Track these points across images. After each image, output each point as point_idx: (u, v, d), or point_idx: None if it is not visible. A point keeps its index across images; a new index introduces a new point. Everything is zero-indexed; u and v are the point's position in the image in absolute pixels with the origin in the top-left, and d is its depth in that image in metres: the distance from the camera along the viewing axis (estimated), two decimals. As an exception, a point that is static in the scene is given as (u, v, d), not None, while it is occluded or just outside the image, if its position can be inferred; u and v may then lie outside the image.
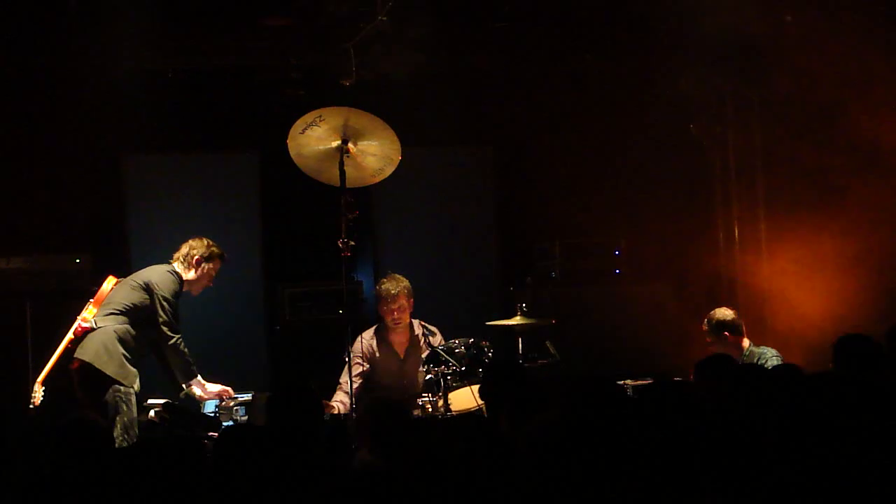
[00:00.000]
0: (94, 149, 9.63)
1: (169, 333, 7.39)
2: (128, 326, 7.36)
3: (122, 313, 7.38)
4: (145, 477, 4.26)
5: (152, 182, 10.16)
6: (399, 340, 8.42)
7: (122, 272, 7.88)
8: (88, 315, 7.39)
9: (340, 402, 7.96)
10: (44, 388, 7.32)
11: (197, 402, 7.55)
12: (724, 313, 8.04)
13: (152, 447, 4.57)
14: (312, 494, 4.36)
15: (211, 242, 7.76)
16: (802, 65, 9.26)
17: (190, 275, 7.67)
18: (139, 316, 7.42)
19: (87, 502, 4.36)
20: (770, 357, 7.75)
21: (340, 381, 8.10)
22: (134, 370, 7.29)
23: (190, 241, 7.74)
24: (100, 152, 9.73)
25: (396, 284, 8.24)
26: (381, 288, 8.30)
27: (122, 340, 7.29)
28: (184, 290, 7.65)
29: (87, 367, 7.21)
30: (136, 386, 7.28)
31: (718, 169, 10.34)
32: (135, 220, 10.05)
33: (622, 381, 8.04)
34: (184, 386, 7.47)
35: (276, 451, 4.51)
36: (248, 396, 7.53)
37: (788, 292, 9.27)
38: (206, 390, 7.49)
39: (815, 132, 9.33)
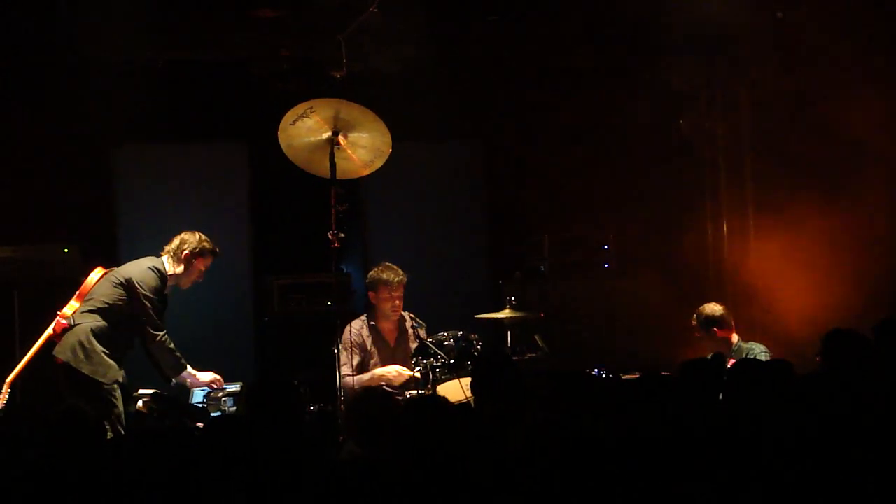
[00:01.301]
0: (83, 139, 9.59)
1: (152, 331, 7.34)
2: (104, 323, 7.29)
3: (98, 311, 7.33)
4: (136, 467, 4.27)
5: (141, 172, 10.13)
6: (388, 328, 8.44)
7: (111, 261, 7.86)
8: (68, 311, 7.35)
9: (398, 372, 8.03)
10: (11, 389, 7.29)
11: (186, 393, 7.55)
12: (713, 309, 8.05)
13: (143, 438, 4.59)
14: (300, 487, 4.37)
15: (203, 237, 7.67)
16: (790, 59, 9.29)
17: (178, 269, 7.60)
18: (117, 313, 7.36)
19: (80, 493, 4.35)
20: (759, 353, 7.75)
21: (344, 371, 7.98)
22: (114, 364, 7.23)
23: (182, 235, 7.65)
24: (89, 142, 9.69)
25: (398, 273, 8.25)
26: (381, 275, 8.26)
27: (98, 336, 7.23)
28: (171, 283, 7.60)
29: (66, 366, 7.20)
30: (121, 378, 7.25)
31: (707, 163, 10.35)
32: (124, 209, 10.01)
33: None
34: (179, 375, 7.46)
35: (262, 442, 4.52)
36: (236, 387, 7.52)
37: (777, 286, 9.29)
38: (198, 379, 7.48)
39: (804, 126, 9.35)
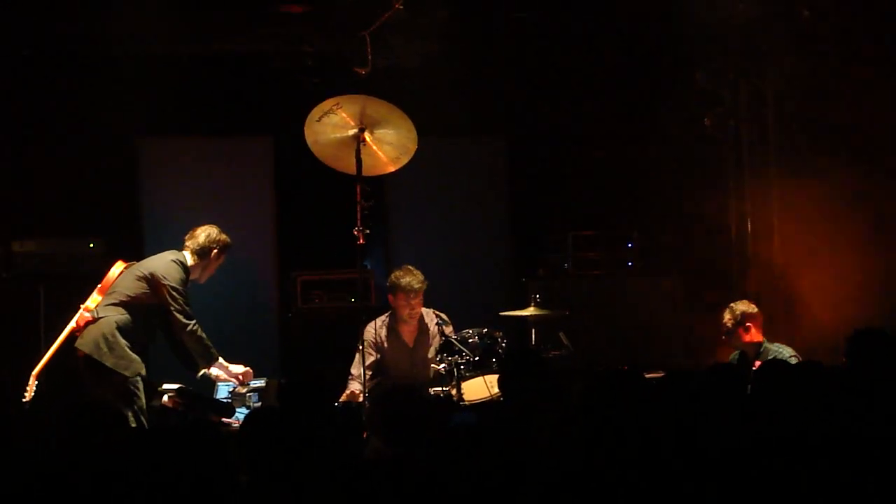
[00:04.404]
0: (109, 132, 9.64)
1: (184, 321, 7.37)
2: (128, 316, 7.31)
3: (122, 304, 7.36)
4: (160, 460, 4.27)
5: (166, 166, 10.18)
6: (408, 329, 8.40)
7: (136, 255, 7.88)
8: (91, 304, 7.37)
9: (353, 391, 7.97)
10: (38, 381, 7.32)
11: (210, 388, 7.57)
12: (749, 306, 7.97)
13: (168, 432, 4.60)
14: (324, 483, 4.38)
15: (222, 232, 7.74)
16: (815, 56, 9.24)
17: (201, 263, 7.64)
18: (140, 306, 7.38)
19: (104, 486, 4.37)
20: (787, 356, 7.68)
21: (352, 371, 8.10)
22: (137, 358, 7.26)
23: (203, 229, 7.68)
24: (115, 136, 9.74)
25: (417, 279, 8.17)
26: (400, 281, 8.19)
27: (122, 330, 7.26)
28: (193, 277, 7.63)
29: (88, 359, 7.22)
30: (143, 371, 7.27)
31: (731, 162, 10.30)
32: (149, 203, 10.06)
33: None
34: (204, 371, 7.47)
35: (292, 436, 4.53)
36: (261, 383, 7.55)
37: (801, 287, 9.25)
38: (230, 371, 7.50)
39: (829, 125, 9.30)
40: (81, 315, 7.34)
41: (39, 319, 8.66)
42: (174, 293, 7.38)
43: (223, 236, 7.70)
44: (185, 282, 7.50)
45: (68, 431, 4.94)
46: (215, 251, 7.65)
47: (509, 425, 5.19)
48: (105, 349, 7.19)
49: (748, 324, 7.88)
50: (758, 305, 8.25)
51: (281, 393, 5.83)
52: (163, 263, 7.50)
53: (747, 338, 7.85)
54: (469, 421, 6.67)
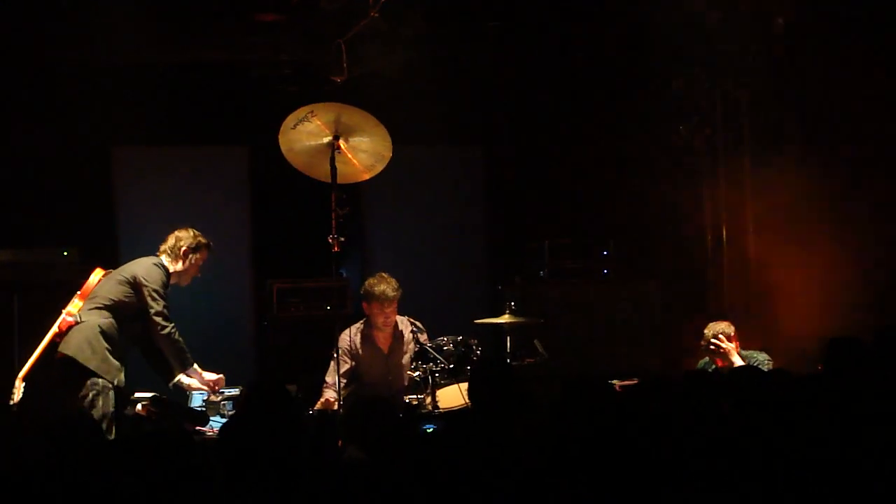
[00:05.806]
0: (83, 141, 9.62)
1: (163, 323, 7.35)
2: (112, 320, 7.30)
3: (105, 307, 7.34)
4: (135, 470, 4.26)
5: (141, 175, 10.16)
6: (383, 337, 8.35)
7: (111, 265, 7.85)
8: (73, 309, 7.34)
9: (328, 399, 7.95)
10: (24, 384, 7.28)
11: (184, 397, 7.54)
12: (728, 328, 7.95)
13: (142, 441, 4.58)
14: (299, 491, 4.37)
15: (197, 233, 7.70)
16: (791, 67, 9.29)
17: (178, 266, 7.62)
18: (123, 310, 7.37)
19: (80, 495, 4.35)
20: (761, 361, 7.72)
21: (327, 379, 8.08)
22: (117, 364, 7.23)
23: (176, 233, 7.67)
24: (89, 145, 9.72)
25: (392, 287, 8.11)
26: (374, 289, 8.12)
27: (105, 334, 7.24)
28: (173, 281, 7.62)
29: (69, 361, 7.17)
30: (120, 380, 7.24)
31: (707, 171, 10.34)
32: (123, 212, 10.04)
33: (611, 381, 8.03)
34: (178, 378, 7.44)
35: (259, 444, 4.52)
36: (235, 391, 7.53)
37: (776, 294, 9.29)
38: (203, 378, 7.48)
39: (805, 132, 9.34)
40: (64, 319, 7.32)
41: (14, 328, 8.61)
42: (155, 295, 7.37)
43: (192, 232, 7.67)
44: (167, 285, 7.50)
45: (43, 440, 4.91)
46: (184, 248, 7.61)
47: (479, 433, 5.18)
48: (89, 352, 7.16)
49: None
50: (732, 314, 8.27)
51: (244, 402, 5.80)
52: (143, 267, 7.50)
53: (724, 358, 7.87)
54: (439, 428, 6.66)
